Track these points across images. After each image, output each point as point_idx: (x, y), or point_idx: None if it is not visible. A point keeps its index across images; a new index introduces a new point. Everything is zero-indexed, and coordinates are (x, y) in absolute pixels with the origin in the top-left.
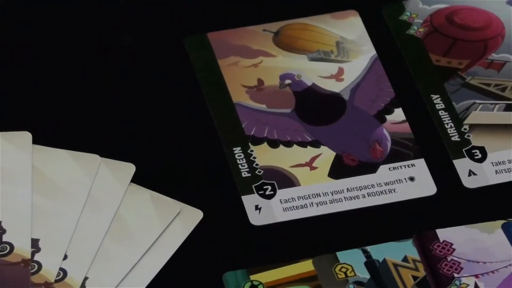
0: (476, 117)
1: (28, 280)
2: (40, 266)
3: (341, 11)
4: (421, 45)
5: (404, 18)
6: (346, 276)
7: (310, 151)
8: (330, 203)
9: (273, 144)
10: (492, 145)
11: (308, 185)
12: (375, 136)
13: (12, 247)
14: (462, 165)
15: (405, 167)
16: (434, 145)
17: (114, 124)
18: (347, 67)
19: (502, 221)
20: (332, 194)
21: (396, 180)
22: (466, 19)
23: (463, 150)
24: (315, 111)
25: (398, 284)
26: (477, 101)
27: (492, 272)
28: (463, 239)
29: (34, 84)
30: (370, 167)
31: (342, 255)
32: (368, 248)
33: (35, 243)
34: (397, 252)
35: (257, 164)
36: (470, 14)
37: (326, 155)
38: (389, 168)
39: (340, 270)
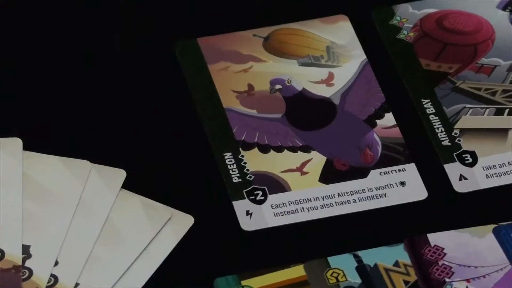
0: (466, 121)
1: (19, 286)
2: (31, 272)
3: (331, 16)
4: (411, 49)
5: (394, 22)
6: (338, 281)
7: (301, 156)
8: (321, 208)
9: (264, 149)
10: (483, 150)
11: (299, 190)
12: (365, 141)
13: (3, 253)
14: (453, 169)
15: (396, 172)
16: (424, 149)
17: (105, 129)
18: (337, 72)
19: (493, 225)
20: (323, 199)
21: (387, 185)
22: (456, 24)
23: (454, 154)
24: (306, 116)
25: None
26: (468, 106)
27: (484, 276)
28: (454, 244)
29: (24, 90)
30: (361, 172)
31: (333, 260)
32: (359, 253)
33: (26, 249)
34: (388, 256)
35: (247, 170)
36: (460, 19)
37: (317, 160)
38: (380, 173)
39: (331, 275)
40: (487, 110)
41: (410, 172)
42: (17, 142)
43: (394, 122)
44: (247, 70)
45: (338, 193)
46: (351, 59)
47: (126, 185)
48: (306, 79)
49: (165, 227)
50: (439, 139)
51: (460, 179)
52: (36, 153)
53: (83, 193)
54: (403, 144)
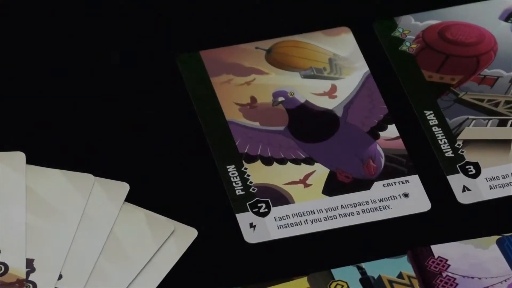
0: (469, 132)
1: None
2: (35, 286)
3: (333, 28)
4: (413, 61)
5: (396, 34)
6: None
7: (304, 168)
8: (324, 220)
9: (267, 161)
10: (486, 161)
11: (302, 202)
12: (368, 152)
13: (6, 267)
14: (456, 181)
15: (399, 184)
16: (427, 161)
17: (108, 143)
18: (340, 84)
19: (497, 237)
20: (327, 211)
21: (390, 197)
22: (458, 35)
23: (457, 166)
24: (309, 128)
25: None
26: (470, 117)
27: (487, 287)
28: (458, 255)
29: (27, 103)
30: (364, 184)
31: (337, 272)
32: (363, 264)
33: (29, 263)
34: (392, 268)
35: (251, 182)
36: (462, 30)
37: (320, 172)
38: (383, 185)
39: (335, 287)
40: (490, 121)
41: (414, 183)
42: (20, 156)
43: (397, 134)
44: (250, 83)
45: (342, 205)
46: (354, 71)
47: (129, 198)
48: (309, 91)
49: (169, 240)
50: (442, 151)
51: (464, 191)
52: (39, 167)
53: (87, 206)
54: (406, 155)
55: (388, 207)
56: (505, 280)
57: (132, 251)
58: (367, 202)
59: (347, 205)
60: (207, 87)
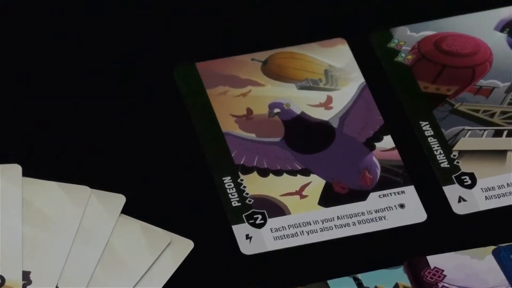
0: (465, 143)
1: None
2: None
3: (329, 39)
4: (409, 72)
5: (392, 45)
6: None
7: (300, 180)
8: (320, 231)
9: (263, 173)
10: (482, 171)
11: (298, 213)
12: (364, 163)
13: (3, 279)
14: (451, 191)
15: (395, 194)
16: (423, 172)
17: (104, 155)
18: (335, 95)
19: (493, 247)
20: (323, 222)
21: (386, 207)
22: (454, 46)
23: (453, 176)
24: (305, 139)
25: None
26: (466, 128)
27: None
28: (454, 266)
29: (23, 116)
30: (360, 195)
31: (333, 283)
32: (359, 275)
33: (26, 276)
34: (388, 279)
35: (247, 193)
36: (457, 41)
37: (316, 183)
38: (379, 196)
39: None
40: (486, 132)
41: (409, 194)
42: (17, 168)
43: (393, 145)
44: (246, 94)
45: (338, 216)
46: (350, 82)
47: (126, 210)
48: (305, 102)
49: (165, 252)
50: (438, 161)
51: (459, 201)
52: (36, 179)
53: (83, 218)
54: (402, 166)
55: (384, 218)
56: None
57: (128, 263)
58: (363, 213)
59: (343, 216)
60: (203, 99)
